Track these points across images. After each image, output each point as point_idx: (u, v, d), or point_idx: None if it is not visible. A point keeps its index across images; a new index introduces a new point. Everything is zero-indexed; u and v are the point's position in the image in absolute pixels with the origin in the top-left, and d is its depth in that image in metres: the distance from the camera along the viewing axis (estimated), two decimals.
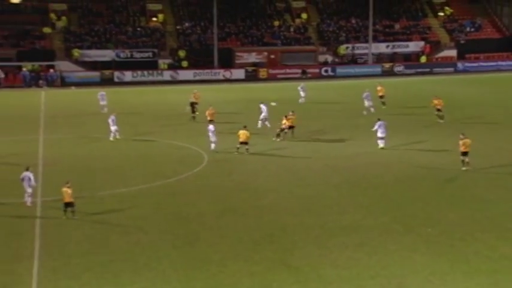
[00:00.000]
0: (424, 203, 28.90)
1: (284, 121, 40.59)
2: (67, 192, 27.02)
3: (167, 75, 70.17)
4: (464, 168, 33.45)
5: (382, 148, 38.06)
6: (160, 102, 56.92)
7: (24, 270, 22.50)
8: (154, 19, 77.03)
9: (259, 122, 43.43)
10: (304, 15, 79.78)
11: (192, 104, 48.05)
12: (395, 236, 25.02)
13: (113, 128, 41.15)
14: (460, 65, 74.91)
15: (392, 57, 76.65)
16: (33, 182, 28.41)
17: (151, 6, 78.08)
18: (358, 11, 79.72)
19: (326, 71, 72.76)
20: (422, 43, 77.13)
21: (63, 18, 74.42)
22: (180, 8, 79.11)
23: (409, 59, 76.87)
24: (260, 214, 27.69)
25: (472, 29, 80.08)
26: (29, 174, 28.49)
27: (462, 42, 77.89)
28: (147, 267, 22.62)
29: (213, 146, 37.76)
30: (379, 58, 76.43)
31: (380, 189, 31.05)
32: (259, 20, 78.45)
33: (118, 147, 39.73)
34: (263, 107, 43.98)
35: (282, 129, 40.49)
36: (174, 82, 68.80)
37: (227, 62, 72.73)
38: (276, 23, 78.26)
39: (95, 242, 24.75)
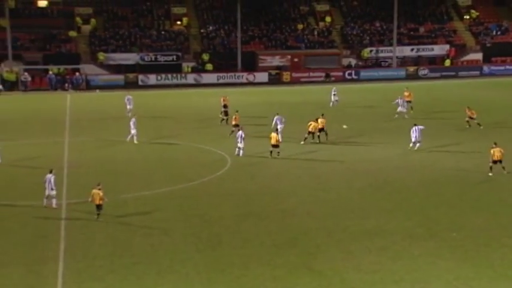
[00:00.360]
0: (448, 208, 28.67)
1: (312, 124, 40.34)
2: (98, 195, 27.27)
3: (191, 78, 70.51)
4: (490, 174, 33.11)
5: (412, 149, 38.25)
6: (184, 105, 57.21)
7: (49, 272, 22.74)
8: (178, 23, 77.51)
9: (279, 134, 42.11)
10: (328, 19, 79.67)
11: (225, 107, 47.85)
12: (419, 241, 24.85)
13: (133, 131, 41.52)
14: (486, 68, 74.22)
15: (417, 61, 76.15)
16: (52, 185, 28.64)
17: (176, 10, 78.58)
18: (383, 14, 79.37)
19: (350, 74, 72.53)
20: (447, 46, 76.54)
21: (92, 20, 75.18)
22: (204, 12, 79.48)
23: (434, 62, 76.30)
24: (282, 218, 27.68)
25: (498, 32, 79.29)
26: (50, 176, 28.80)
27: (488, 45, 77.17)
28: (170, 269, 22.73)
29: (240, 152, 37.34)
30: (404, 61, 76.01)
31: (403, 194, 30.86)
32: (283, 24, 78.50)
33: (142, 150, 40.01)
34: (278, 119, 42.10)
35: (310, 133, 40.40)
36: (197, 85, 69.11)
37: (250, 65, 72.90)
38: (300, 27, 78.23)
39: (118, 244, 24.93)
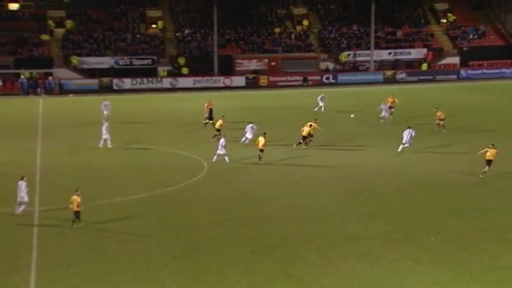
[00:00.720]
0: (427, 212, 28.92)
1: (305, 129, 40.74)
2: (77, 201, 27.09)
3: (167, 82, 70.34)
4: (481, 176, 33.66)
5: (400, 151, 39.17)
6: (160, 110, 57.02)
7: (21, 280, 22.50)
8: (154, 26, 77.31)
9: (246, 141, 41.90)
10: (305, 22, 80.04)
11: (210, 112, 47.85)
12: (397, 246, 25.03)
13: (105, 136, 41.29)
14: (463, 72, 75.07)
15: (395, 65, 76.82)
16: (22, 193, 28.31)
17: (151, 13, 78.38)
18: (360, 17, 79.98)
19: (327, 78, 72.93)
20: (424, 50, 77.32)
21: (69, 21, 74.59)
22: (180, 15, 79.39)
23: (412, 66, 77.02)
24: (260, 223, 27.71)
25: (475, 36, 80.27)
26: (21, 183, 28.51)
27: (465, 49, 78.09)
28: (146, 277, 22.62)
29: (226, 158, 37.17)
30: (381, 65, 76.63)
31: (382, 198, 31.08)
32: (260, 27, 78.70)
33: (116, 156, 39.79)
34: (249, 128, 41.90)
35: (304, 138, 40.57)
36: (173, 89, 68.96)
37: (227, 69, 72.92)
38: (277, 30, 78.49)
39: (93, 252, 24.76)
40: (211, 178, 34.79)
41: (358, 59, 76.45)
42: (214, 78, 71.49)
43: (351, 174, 35.26)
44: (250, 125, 42.02)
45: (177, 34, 76.97)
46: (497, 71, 75.21)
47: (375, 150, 40.32)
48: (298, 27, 79.87)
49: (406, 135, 39.49)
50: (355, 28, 79.74)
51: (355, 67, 76.11)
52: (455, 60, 77.54)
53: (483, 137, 43.11)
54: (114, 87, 68.91)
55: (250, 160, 37.60)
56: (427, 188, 32.54)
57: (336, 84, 71.58)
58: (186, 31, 76.92)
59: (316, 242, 25.47)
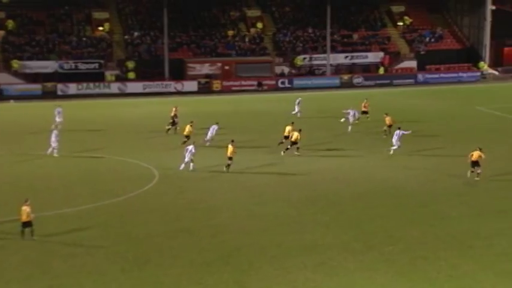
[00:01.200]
0: (385, 220, 29.33)
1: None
2: (26, 211, 26.63)
3: (115, 87, 69.71)
4: (469, 175, 34.92)
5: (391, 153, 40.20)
6: (108, 116, 56.47)
7: None
8: (100, 28, 76.49)
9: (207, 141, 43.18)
10: (259, 25, 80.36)
11: (173, 118, 47.82)
12: (355, 255, 25.30)
13: (54, 144, 40.77)
14: (420, 76, 76.38)
15: (351, 69, 77.73)
16: None
17: (97, 15, 77.54)
18: (316, 20, 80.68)
19: (283, 82, 73.33)
20: (381, 54, 78.39)
21: (9, 21, 73.25)
22: (128, 17, 78.80)
23: (368, 70, 78.05)
24: (214, 234, 27.68)
25: (432, 40, 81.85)
26: None
27: (422, 53, 79.49)
28: None
29: (191, 166, 37.16)
30: (338, 69, 77.43)
31: (340, 206, 31.39)
32: (213, 30, 78.70)
33: (63, 165, 39.25)
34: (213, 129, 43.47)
35: (292, 143, 41.01)
36: (122, 95, 68.37)
37: (178, 73, 72.68)
38: (230, 33, 78.61)
39: (36, 267, 24.34)
40: (162, 187, 34.62)
41: (314, 62, 77.08)
42: (165, 83, 71.15)
43: (309, 181, 35.53)
44: (214, 126, 43.29)
45: (125, 37, 76.38)
46: (455, 75, 76.78)
47: (333, 157, 40.70)
48: (252, 30, 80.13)
49: (395, 136, 40.57)
50: (310, 31, 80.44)
51: (311, 71, 76.75)
52: (413, 64, 78.81)
53: (440, 142, 44.05)
54: (59, 92, 67.95)
55: (207, 168, 37.51)
56: (386, 195, 33.01)
57: (291, 89, 72.00)
58: (135, 34, 76.39)
59: (272, 253, 25.55)
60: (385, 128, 45.94)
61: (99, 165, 39.46)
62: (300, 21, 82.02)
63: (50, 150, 40.93)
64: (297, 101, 54.50)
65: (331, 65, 76.30)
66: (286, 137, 41.85)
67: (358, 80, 74.80)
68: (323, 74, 76.37)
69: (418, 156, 40.75)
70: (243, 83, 72.50)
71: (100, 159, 40.99)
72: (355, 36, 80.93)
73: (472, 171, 34.98)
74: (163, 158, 40.57)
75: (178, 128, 46.70)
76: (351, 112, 49.30)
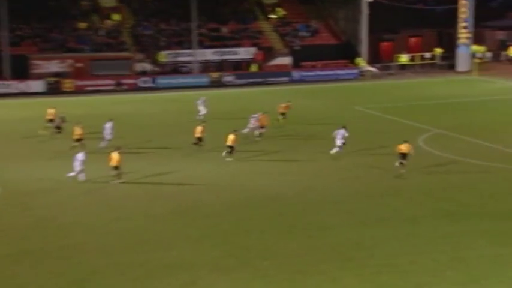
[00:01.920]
0: (260, 233, 29.62)
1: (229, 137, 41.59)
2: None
3: None
4: (397, 164, 37.51)
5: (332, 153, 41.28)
6: None
7: None
8: None
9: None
10: (115, 16, 79.15)
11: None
12: (228, 273, 25.36)
13: None
14: (295, 74, 77.92)
15: (221, 66, 78.14)
16: None
17: None
18: (180, 12, 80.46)
19: (145, 81, 72.63)
20: (253, 49, 79.33)
21: None
22: None
23: (240, 67, 78.76)
24: (67, 255, 27.05)
25: (308, 34, 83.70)
26: None
27: (297, 48, 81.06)
28: None
29: (80, 176, 36.27)
30: (206, 67, 77.60)
31: (211, 219, 31.41)
32: (61, 22, 76.62)
33: None
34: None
35: (230, 147, 40.96)
36: None
37: (22, 71, 70.20)
38: (82, 25, 76.90)
39: None
40: (4, 203, 33.40)
41: (180, 59, 76.84)
42: (6, 82, 68.54)
43: (176, 191, 35.36)
44: (109, 123, 43.97)
45: None
46: (332, 72, 78.77)
47: (202, 162, 40.62)
48: (108, 22, 78.82)
49: (339, 136, 41.22)
50: (174, 24, 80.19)
51: (176, 69, 76.49)
52: (287, 60, 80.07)
53: (318, 146, 45.03)
54: None
55: (56, 178, 36.39)
56: (261, 205, 33.36)
57: (155, 88, 71.44)
58: None
59: (134, 274, 25.20)
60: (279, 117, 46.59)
61: None
62: (163, 13, 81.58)
63: None
64: (200, 101, 54.04)
65: (199, 62, 76.39)
66: (200, 139, 42.32)
67: (228, 78, 75.32)
68: (190, 72, 76.32)
69: (294, 162, 41.46)
70: (99, 82, 71.12)
71: None
72: (225, 29, 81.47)
73: (401, 163, 37.31)
74: (7, 169, 39.03)
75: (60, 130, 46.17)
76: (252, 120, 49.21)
